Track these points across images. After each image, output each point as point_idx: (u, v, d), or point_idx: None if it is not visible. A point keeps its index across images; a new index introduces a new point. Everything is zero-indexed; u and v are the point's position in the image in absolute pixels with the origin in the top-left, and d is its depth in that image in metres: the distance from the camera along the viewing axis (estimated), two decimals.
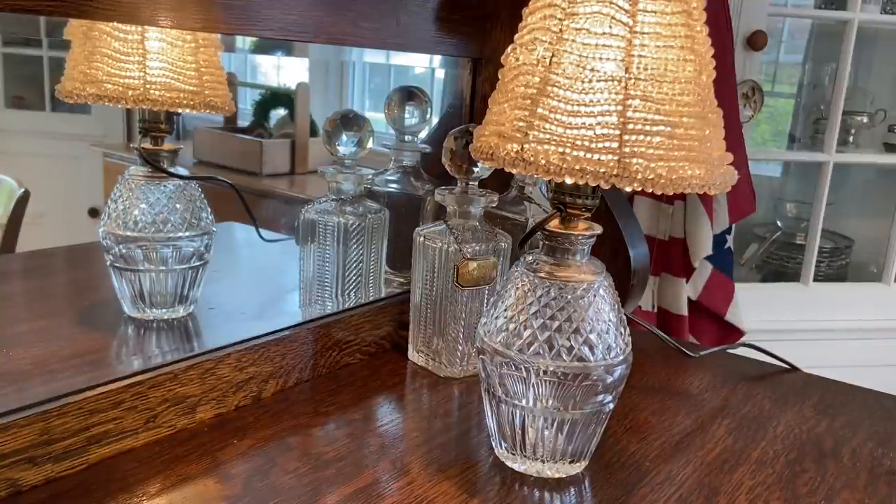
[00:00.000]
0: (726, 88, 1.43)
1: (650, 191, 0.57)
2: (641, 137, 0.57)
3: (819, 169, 1.86)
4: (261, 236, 0.97)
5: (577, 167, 0.57)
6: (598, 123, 0.57)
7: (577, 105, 0.57)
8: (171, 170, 0.83)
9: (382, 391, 0.85)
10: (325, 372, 0.87)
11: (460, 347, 0.88)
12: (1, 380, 0.69)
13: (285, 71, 1.15)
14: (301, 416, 0.77)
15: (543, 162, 0.58)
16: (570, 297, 0.65)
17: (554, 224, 0.66)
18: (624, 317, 0.68)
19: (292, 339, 0.83)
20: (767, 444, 0.79)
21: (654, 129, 0.57)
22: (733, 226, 1.63)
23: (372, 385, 0.86)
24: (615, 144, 0.56)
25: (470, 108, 1.07)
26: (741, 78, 1.66)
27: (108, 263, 0.82)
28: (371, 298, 0.96)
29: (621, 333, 0.67)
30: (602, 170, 0.57)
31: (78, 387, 0.65)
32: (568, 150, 0.57)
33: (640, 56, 0.56)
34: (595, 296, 0.65)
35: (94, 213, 0.88)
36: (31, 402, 0.62)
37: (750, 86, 1.70)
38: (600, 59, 0.57)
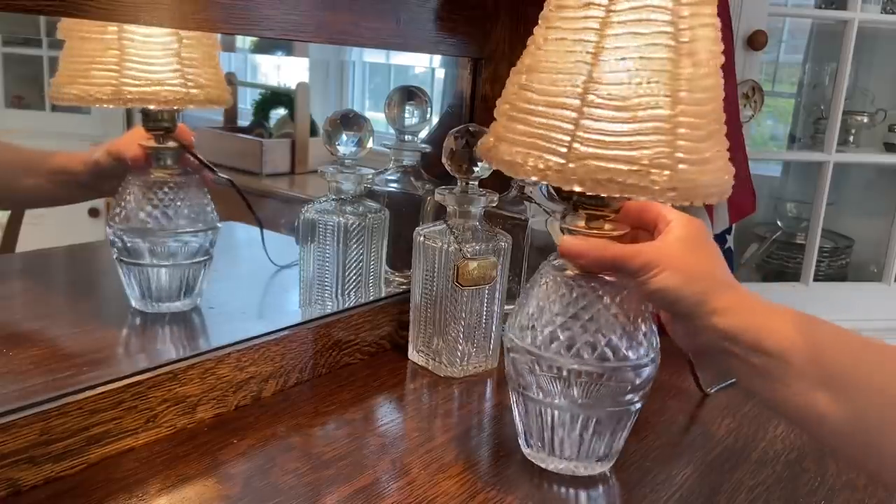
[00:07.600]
0: (726, 88, 1.43)
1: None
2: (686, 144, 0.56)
3: (819, 169, 1.86)
4: (262, 236, 0.97)
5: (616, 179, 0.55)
6: (641, 133, 0.56)
7: (622, 112, 0.56)
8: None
9: (382, 391, 0.85)
10: (325, 372, 0.87)
11: (460, 347, 0.88)
12: (1, 380, 0.69)
13: (285, 71, 1.15)
14: (301, 416, 0.77)
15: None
16: (597, 296, 0.64)
17: (580, 224, 0.64)
18: (650, 316, 0.67)
19: (292, 339, 0.83)
20: (767, 444, 0.79)
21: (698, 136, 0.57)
22: (733, 226, 1.63)
23: (372, 385, 0.86)
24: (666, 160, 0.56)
25: (470, 107, 1.07)
26: (741, 78, 1.66)
27: (114, 257, 0.82)
28: (371, 298, 0.96)
29: (649, 333, 0.66)
30: (652, 185, 0.55)
31: (78, 386, 0.65)
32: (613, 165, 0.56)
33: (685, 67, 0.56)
34: (622, 296, 0.64)
35: (94, 213, 0.88)
36: (31, 402, 0.62)
37: (750, 86, 1.69)
38: (648, 64, 0.56)
